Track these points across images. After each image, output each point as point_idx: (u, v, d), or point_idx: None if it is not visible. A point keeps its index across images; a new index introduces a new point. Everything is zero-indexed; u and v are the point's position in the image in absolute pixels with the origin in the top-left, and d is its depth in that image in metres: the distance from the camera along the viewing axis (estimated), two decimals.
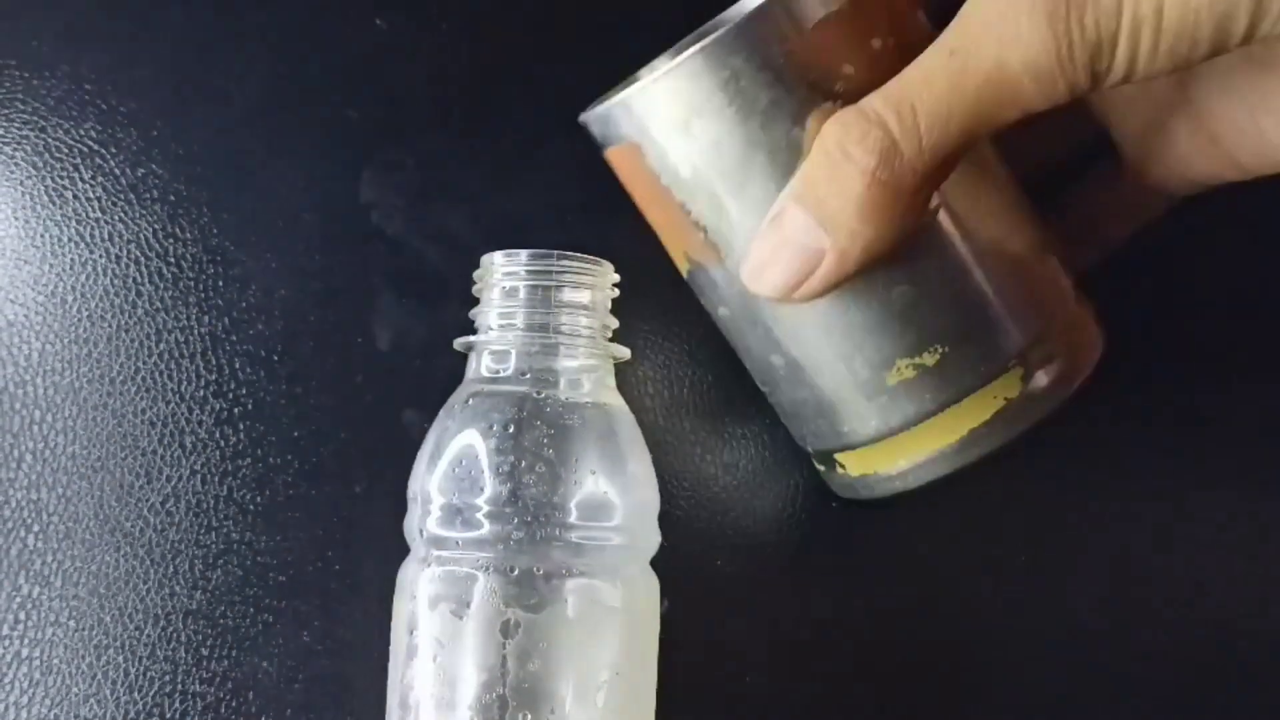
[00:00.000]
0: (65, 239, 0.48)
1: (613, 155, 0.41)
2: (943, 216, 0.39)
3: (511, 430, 0.40)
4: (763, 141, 0.38)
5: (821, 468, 0.45)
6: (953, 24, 0.35)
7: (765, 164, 0.38)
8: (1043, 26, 0.33)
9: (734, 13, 0.42)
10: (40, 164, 0.48)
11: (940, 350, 0.40)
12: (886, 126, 0.35)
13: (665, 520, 0.42)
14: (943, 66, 0.35)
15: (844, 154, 0.36)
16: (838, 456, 0.44)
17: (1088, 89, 0.35)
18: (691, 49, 0.37)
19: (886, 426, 0.41)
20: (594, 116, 0.40)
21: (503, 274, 0.41)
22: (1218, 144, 0.41)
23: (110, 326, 0.48)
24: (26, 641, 0.46)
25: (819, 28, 0.36)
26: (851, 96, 0.37)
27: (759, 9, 0.36)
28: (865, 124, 0.35)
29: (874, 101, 0.36)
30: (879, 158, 0.35)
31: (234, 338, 0.48)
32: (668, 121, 0.38)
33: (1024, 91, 0.34)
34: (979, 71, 0.34)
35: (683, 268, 0.43)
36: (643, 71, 0.42)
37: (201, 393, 0.48)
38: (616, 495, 0.40)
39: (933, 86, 0.35)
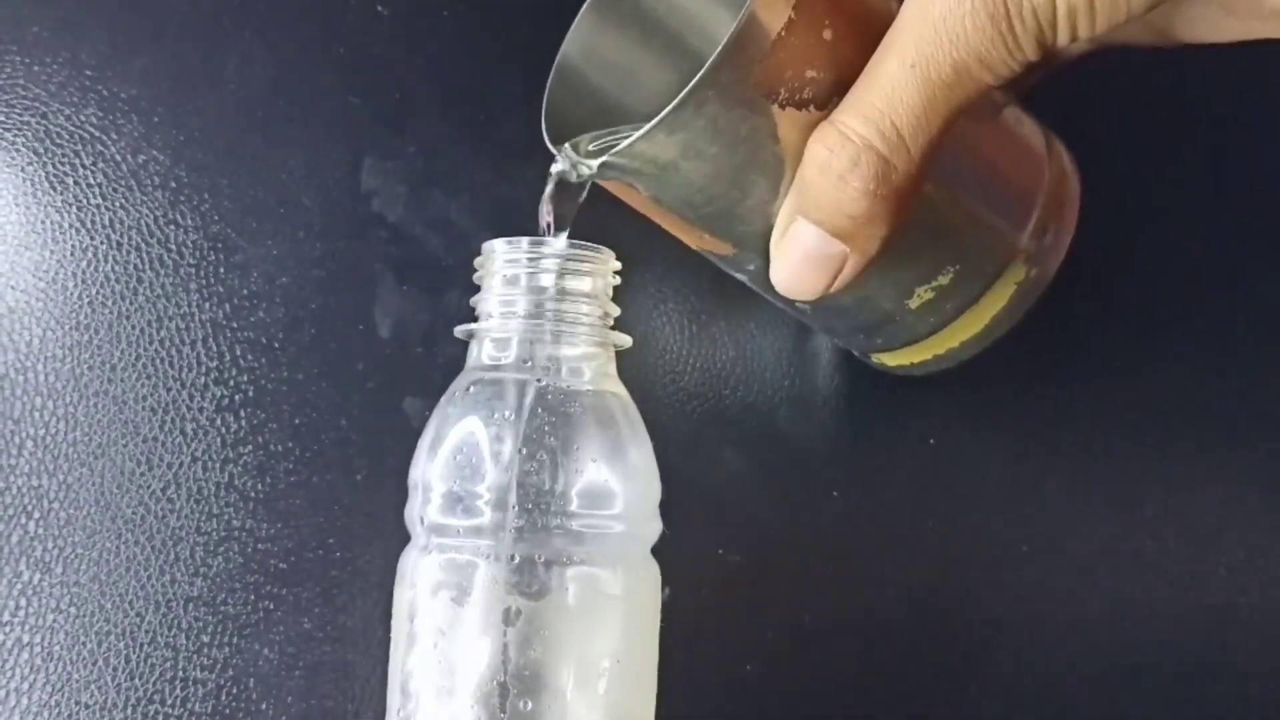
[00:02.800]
0: (66, 225, 0.48)
1: (603, 184, 0.41)
2: None
3: (512, 418, 0.39)
4: (751, 164, 0.38)
5: (857, 354, 0.49)
6: (901, 28, 0.36)
7: (758, 180, 0.39)
8: (987, 27, 0.35)
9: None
10: (41, 150, 0.48)
11: (952, 270, 0.42)
12: (874, 148, 0.36)
13: (666, 508, 0.42)
14: (908, 80, 0.36)
15: (840, 179, 0.37)
16: (873, 356, 0.47)
17: (1041, 59, 0.37)
18: (664, 112, 0.37)
19: (914, 336, 0.44)
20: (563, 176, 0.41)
21: (504, 261, 0.41)
22: (1151, 23, 0.43)
23: (111, 313, 0.48)
24: (27, 628, 0.46)
25: (775, 48, 0.36)
26: (821, 95, 0.37)
27: (720, 56, 0.36)
28: (852, 149, 0.36)
29: (853, 123, 0.36)
30: (876, 180, 0.36)
31: (235, 325, 0.48)
32: (653, 169, 0.39)
33: (984, 78, 0.36)
34: (941, 78, 0.36)
35: (693, 247, 0.43)
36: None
37: (202, 380, 0.48)
38: (618, 483, 0.40)
39: (906, 101, 0.36)
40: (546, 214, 0.42)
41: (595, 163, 0.39)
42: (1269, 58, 0.43)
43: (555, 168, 0.41)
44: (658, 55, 0.45)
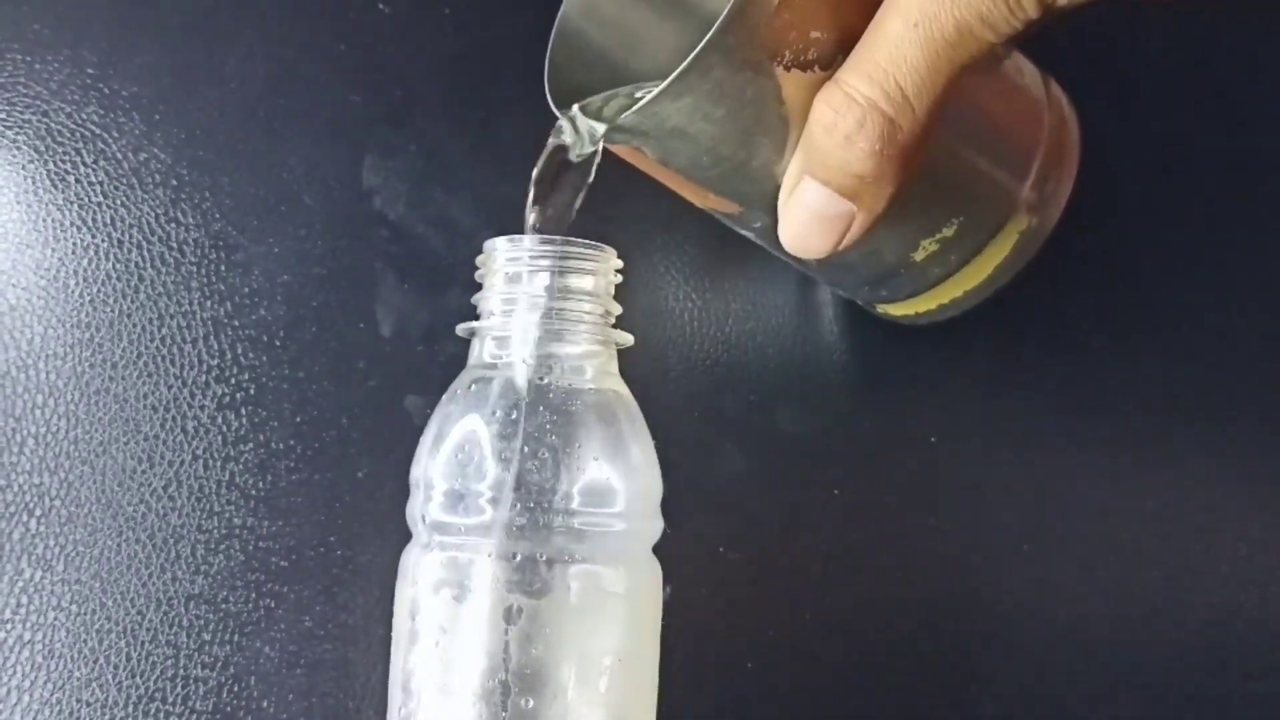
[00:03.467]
0: (67, 223, 0.48)
1: (610, 147, 0.41)
2: None
3: (514, 416, 0.39)
4: (757, 126, 0.39)
5: (862, 305, 0.49)
6: None
7: (764, 141, 0.39)
8: None
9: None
10: (42, 148, 0.48)
11: (956, 222, 0.43)
12: (880, 108, 0.37)
13: (668, 507, 0.42)
14: (911, 39, 0.36)
15: (846, 139, 0.37)
16: (878, 307, 0.48)
17: (1042, 17, 0.37)
18: (670, 77, 0.37)
19: (919, 287, 0.45)
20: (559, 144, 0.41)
21: (506, 259, 0.41)
22: None
23: (112, 311, 0.48)
24: (29, 626, 0.46)
25: (779, 9, 0.37)
26: (825, 56, 0.38)
27: (726, 19, 0.36)
28: (858, 110, 0.37)
29: (858, 83, 0.37)
30: (882, 140, 0.37)
31: (236, 323, 0.48)
32: (660, 133, 0.39)
33: (985, 36, 0.36)
34: (944, 37, 0.36)
35: (699, 205, 0.44)
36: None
37: (204, 378, 0.48)
38: (619, 481, 0.40)
39: (910, 60, 0.36)
40: (533, 212, 0.42)
41: (602, 127, 0.40)
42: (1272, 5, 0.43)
43: (554, 140, 0.41)
44: (658, 13, 0.45)
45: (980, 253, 0.44)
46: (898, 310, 0.47)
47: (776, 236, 0.42)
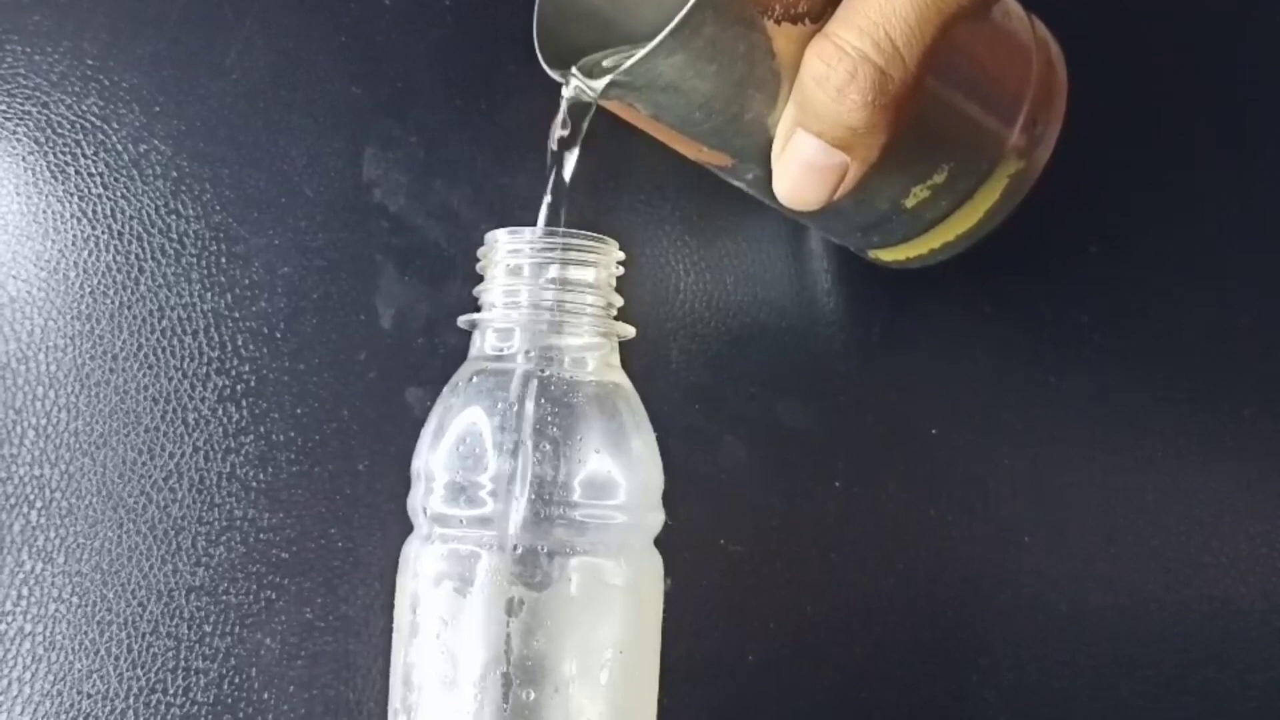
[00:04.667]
0: (67, 215, 0.48)
1: (603, 103, 0.42)
2: None
3: (515, 408, 0.39)
4: (749, 80, 0.39)
5: (854, 250, 0.50)
6: None
7: (756, 95, 0.39)
8: None
9: None
10: (42, 140, 0.48)
11: (946, 168, 0.43)
12: (870, 60, 0.37)
13: (668, 499, 0.42)
14: None
15: (838, 91, 0.37)
16: (870, 252, 0.48)
17: None
18: (662, 34, 0.37)
19: (911, 232, 0.46)
20: (575, 99, 0.41)
21: (507, 251, 0.41)
22: None
23: (113, 303, 0.48)
24: (30, 618, 0.46)
25: None
26: (815, 8, 0.38)
27: None
28: (849, 62, 0.37)
29: (848, 35, 0.37)
30: (874, 91, 0.37)
31: (236, 314, 0.48)
32: (653, 89, 0.39)
33: None
34: None
35: (691, 158, 0.44)
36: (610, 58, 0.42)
37: (204, 369, 0.48)
38: (620, 474, 0.40)
39: (899, 11, 0.37)
40: (556, 138, 0.42)
41: (600, 84, 0.40)
42: None
43: (566, 93, 0.41)
44: None
45: (971, 197, 0.44)
46: (889, 255, 0.48)
47: (770, 188, 0.42)
